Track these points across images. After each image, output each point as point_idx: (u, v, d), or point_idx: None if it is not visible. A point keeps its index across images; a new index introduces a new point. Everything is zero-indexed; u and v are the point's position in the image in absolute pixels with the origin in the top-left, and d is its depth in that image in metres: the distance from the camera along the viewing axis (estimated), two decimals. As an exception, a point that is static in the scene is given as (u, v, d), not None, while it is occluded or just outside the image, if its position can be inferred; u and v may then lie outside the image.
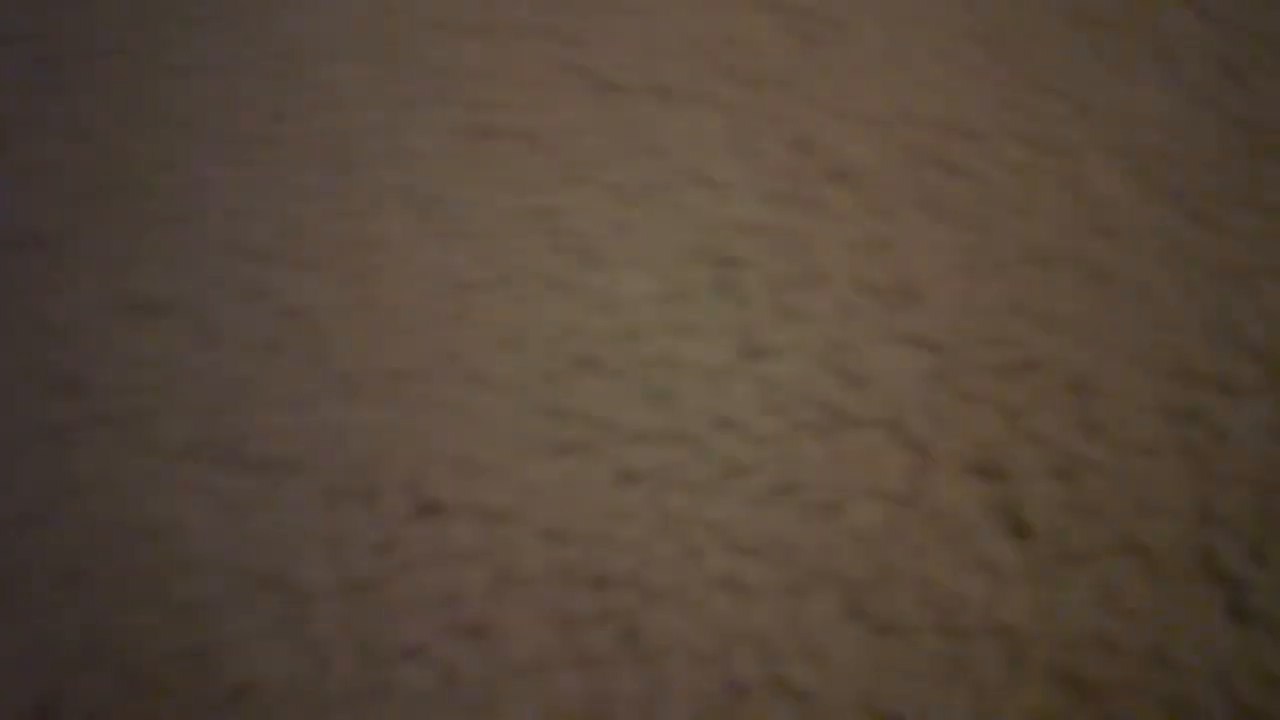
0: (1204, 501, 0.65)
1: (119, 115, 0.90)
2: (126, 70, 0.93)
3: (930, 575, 0.62)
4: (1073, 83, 0.84)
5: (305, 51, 0.92)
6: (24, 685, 0.59)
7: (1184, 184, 0.77)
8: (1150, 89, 0.82)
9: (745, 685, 0.61)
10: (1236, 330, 0.70)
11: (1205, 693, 0.58)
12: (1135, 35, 0.86)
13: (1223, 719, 0.56)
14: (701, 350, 0.73)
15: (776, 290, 0.76)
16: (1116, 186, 0.78)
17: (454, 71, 0.91)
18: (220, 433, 0.70)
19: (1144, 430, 0.67)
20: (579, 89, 0.88)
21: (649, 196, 0.81)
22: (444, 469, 0.69)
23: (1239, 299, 0.71)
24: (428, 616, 0.63)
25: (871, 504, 0.66)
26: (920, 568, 0.62)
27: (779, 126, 0.84)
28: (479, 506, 0.66)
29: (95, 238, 0.81)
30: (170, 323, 0.75)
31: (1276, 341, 0.69)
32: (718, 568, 0.63)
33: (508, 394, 0.72)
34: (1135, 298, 0.72)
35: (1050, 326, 0.72)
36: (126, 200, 0.83)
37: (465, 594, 0.63)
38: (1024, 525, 0.64)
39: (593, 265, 0.78)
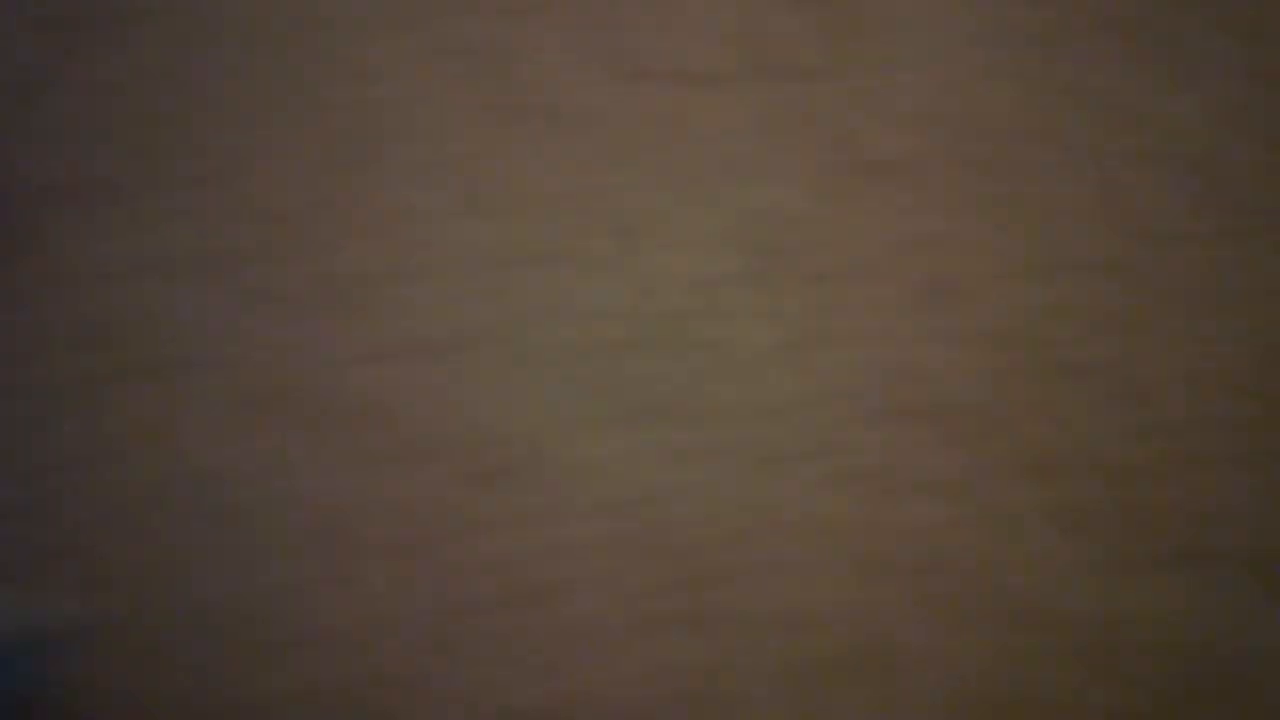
0: (1257, 511, 0.65)
1: (151, 77, 0.87)
2: (158, 34, 0.90)
3: (982, 568, 0.62)
4: (1106, 91, 0.85)
5: (337, 23, 0.90)
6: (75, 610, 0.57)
7: (1219, 198, 0.78)
8: (1180, 100, 0.84)
9: (800, 661, 0.60)
10: (1276, 348, 0.71)
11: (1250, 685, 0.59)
12: (1162, 47, 0.87)
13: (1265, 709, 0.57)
14: (744, 336, 0.72)
15: (816, 281, 0.75)
16: (1149, 194, 0.79)
17: (483, 51, 0.89)
18: (263, 388, 0.68)
19: (1194, 441, 0.67)
20: (609, 73, 0.87)
21: (683, 183, 0.81)
22: (492, 437, 0.67)
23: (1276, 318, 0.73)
24: (483, 579, 0.61)
25: (923, 497, 0.66)
26: (972, 561, 0.62)
27: (813, 120, 0.84)
28: (531, 475, 0.65)
29: (126, 193, 0.77)
30: (203, 282, 0.73)
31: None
32: (767, 549, 0.62)
33: (546, 368, 0.70)
34: (1179, 311, 0.73)
35: (1095, 331, 0.72)
36: (157, 159, 0.80)
37: (521, 559, 0.61)
38: (1074, 527, 0.64)
39: (629, 248, 0.77)
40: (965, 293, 0.73)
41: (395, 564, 0.59)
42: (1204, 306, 0.72)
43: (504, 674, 0.56)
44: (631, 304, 0.72)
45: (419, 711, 0.54)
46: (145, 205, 0.78)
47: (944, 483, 0.65)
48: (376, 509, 0.62)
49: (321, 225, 0.75)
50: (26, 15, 0.89)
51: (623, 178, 0.80)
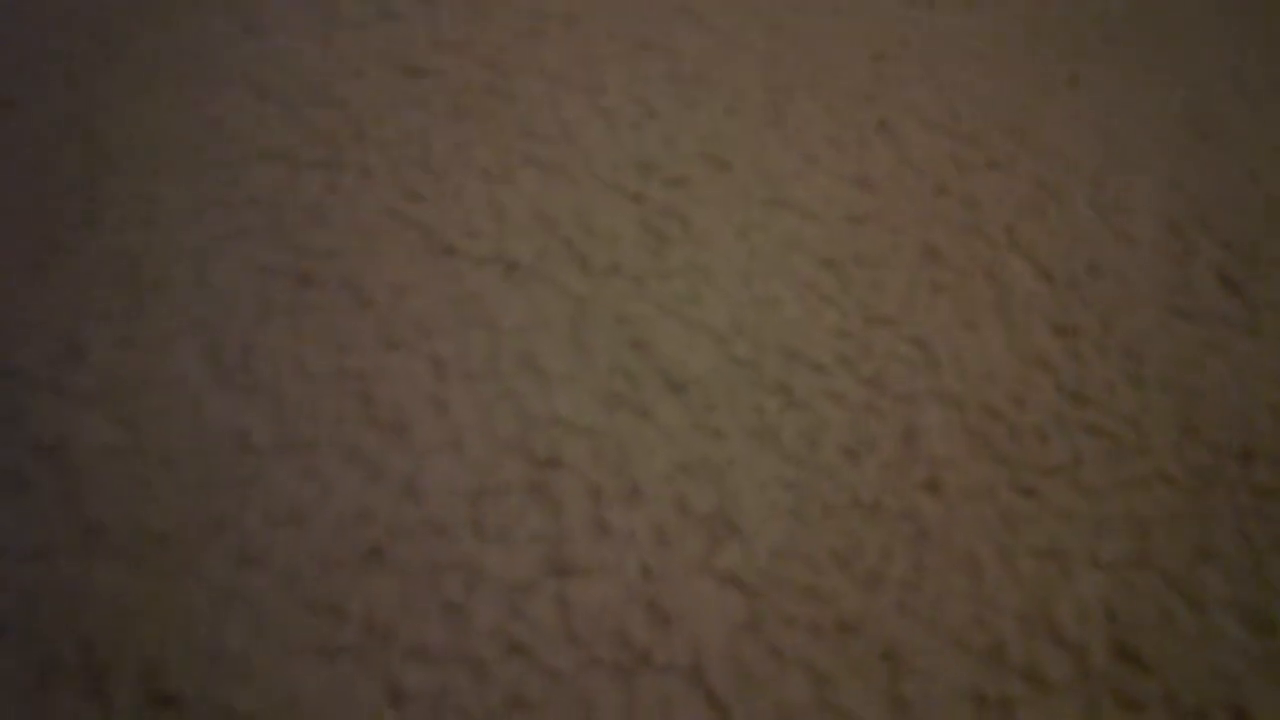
0: None
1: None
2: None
3: None
4: (915, 325, 0.84)
5: (126, 157, 0.85)
6: None
7: (1015, 451, 0.77)
8: (991, 342, 0.83)
9: None
10: (1052, 618, 0.69)
11: None
12: (980, 282, 0.87)
13: None
14: (505, 560, 0.68)
15: (595, 502, 0.71)
16: (949, 443, 0.77)
17: (284, 206, 0.85)
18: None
19: (950, 716, 0.64)
20: (417, 247, 0.83)
21: (475, 377, 0.76)
22: (190, 656, 0.60)
23: (1057, 584, 0.71)
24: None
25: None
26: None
27: (621, 325, 0.81)
28: (221, 707, 0.58)
29: None
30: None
31: (1088, 635, 0.68)
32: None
33: (280, 580, 0.64)
34: (956, 568, 0.70)
35: (870, 585, 0.69)
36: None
37: None
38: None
39: (401, 445, 0.72)
40: (741, 530, 0.70)
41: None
42: (983, 573, 0.70)
43: None
44: (385, 511, 0.67)
45: None
46: None
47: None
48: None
49: (50, 387, 0.68)
50: None
51: (408, 362, 0.75)
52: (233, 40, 0.94)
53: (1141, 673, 0.66)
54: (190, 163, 0.84)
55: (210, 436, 0.68)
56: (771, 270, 0.85)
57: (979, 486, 0.74)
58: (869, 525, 0.71)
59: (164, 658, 0.58)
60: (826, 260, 0.86)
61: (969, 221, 0.91)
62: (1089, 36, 1.13)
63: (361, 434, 0.70)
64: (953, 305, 0.85)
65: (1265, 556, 0.73)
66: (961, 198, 0.93)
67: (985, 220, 0.92)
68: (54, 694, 0.56)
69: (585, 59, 0.99)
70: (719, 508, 0.70)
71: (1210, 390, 0.82)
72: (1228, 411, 0.81)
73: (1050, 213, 0.93)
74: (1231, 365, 0.84)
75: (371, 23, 0.97)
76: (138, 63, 0.91)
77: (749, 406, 0.76)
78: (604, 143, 0.92)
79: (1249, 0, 1.20)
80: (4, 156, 0.82)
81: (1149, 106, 1.05)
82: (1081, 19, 1.15)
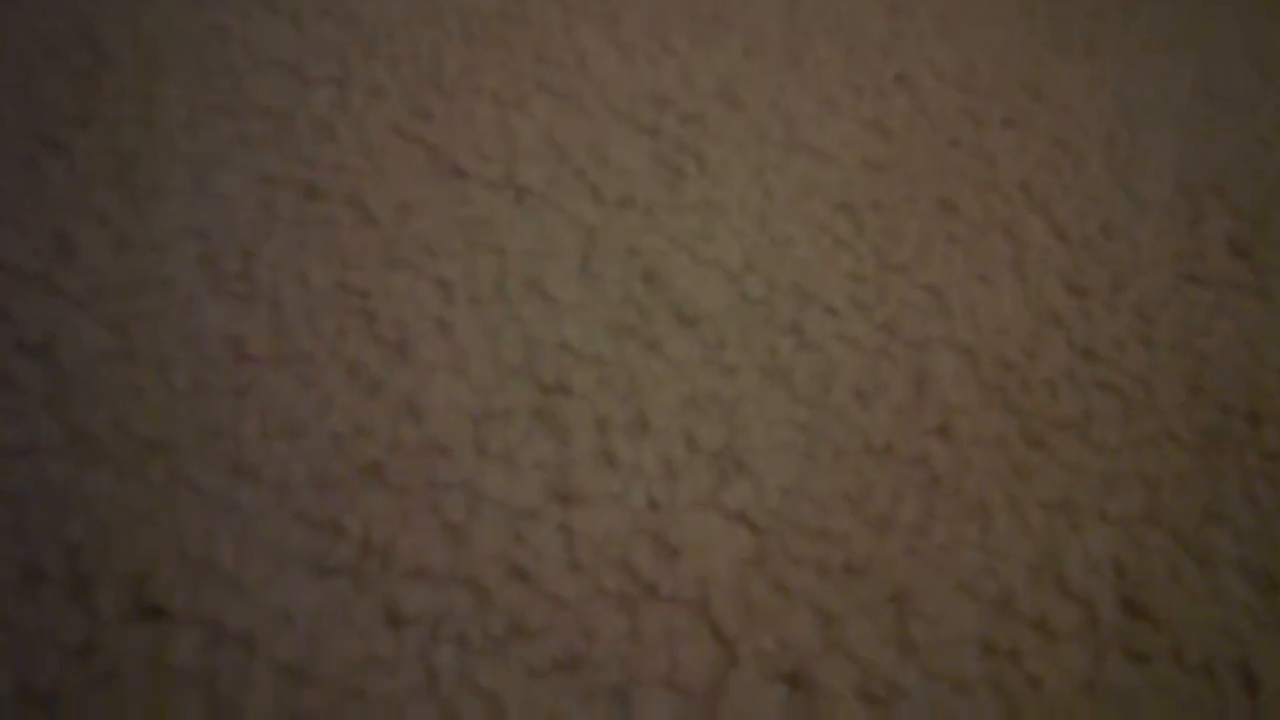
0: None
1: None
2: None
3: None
4: (930, 274, 0.81)
5: (126, 56, 0.80)
6: None
7: (1027, 403, 0.75)
8: (1005, 297, 0.80)
9: None
10: (1060, 570, 0.67)
11: None
12: (995, 237, 0.84)
13: None
14: (508, 484, 0.64)
15: (601, 432, 0.68)
16: (961, 391, 0.75)
17: (290, 118, 0.81)
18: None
19: (958, 661, 0.62)
20: (424, 167, 0.79)
21: (481, 300, 0.73)
22: (177, 567, 0.57)
23: (1066, 536, 0.68)
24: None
25: (664, 696, 0.58)
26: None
27: (632, 257, 0.77)
28: (212, 622, 0.55)
29: None
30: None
31: (1096, 588, 0.66)
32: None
33: (274, 493, 0.61)
34: (966, 516, 0.68)
35: (879, 529, 0.67)
36: None
37: None
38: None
39: (403, 364, 0.68)
40: (749, 467, 0.67)
41: (22, 712, 0.48)
42: (993, 522, 0.67)
43: None
44: (384, 427, 0.64)
45: None
46: None
47: (687, 684, 0.57)
48: (2, 639, 0.51)
49: (40, 284, 0.64)
50: None
51: (412, 282, 0.72)
52: (239, -51, 0.90)
53: (1149, 627, 0.64)
54: (192, 68, 0.80)
55: (205, 344, 0.64)
56: (786, 211, 0.81)
57: (990, 435, 0.72)
58: (879, 469, 0.68)
59: (152, 568, 0.54)
60: (842, 204, 0.83)
61: (984, 176, 0.88)
62: (1106, 4, 1.10)
63: (363, 350, 0.67)
64: (967, 257, 0.82)
65: (1272, 519, 0.71)
66: (977, 152, 0.90)
67: (1000, 176, 0.89)
68: (37, 597, 0.52)
69: (590, 2, 0.95)
70: (728, 444, 0.67)
71: (1218, 353, 0.80)
72: (1235, 374, 0.78)
73: (1065, 172, 0.91)
74: (1240, 329, 0.82)
75: (383, -60, 0.93)
76: (140, -35, 0.86)
77: (761, 345, 0.73)
78: (619, 75, 0.88)
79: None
80: (-3, 50, 0.78)
81: (1163, 74, 1.03)
82: (1099, -17, 1.12)
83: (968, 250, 0.83)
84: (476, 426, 0.65)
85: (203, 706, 0.50)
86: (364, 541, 0.58)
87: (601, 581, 0.60)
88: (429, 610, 0.56)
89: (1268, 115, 1.00)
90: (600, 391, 0.68)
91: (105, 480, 0.57)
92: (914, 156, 0.89)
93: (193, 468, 0.58)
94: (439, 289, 0.71)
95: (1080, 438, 0.73)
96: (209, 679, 0.51)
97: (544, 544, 0.60)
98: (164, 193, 0.71)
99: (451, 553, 0.59)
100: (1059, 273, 0.83)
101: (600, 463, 0.65)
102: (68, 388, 0.60)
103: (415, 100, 0.82)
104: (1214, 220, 0.90)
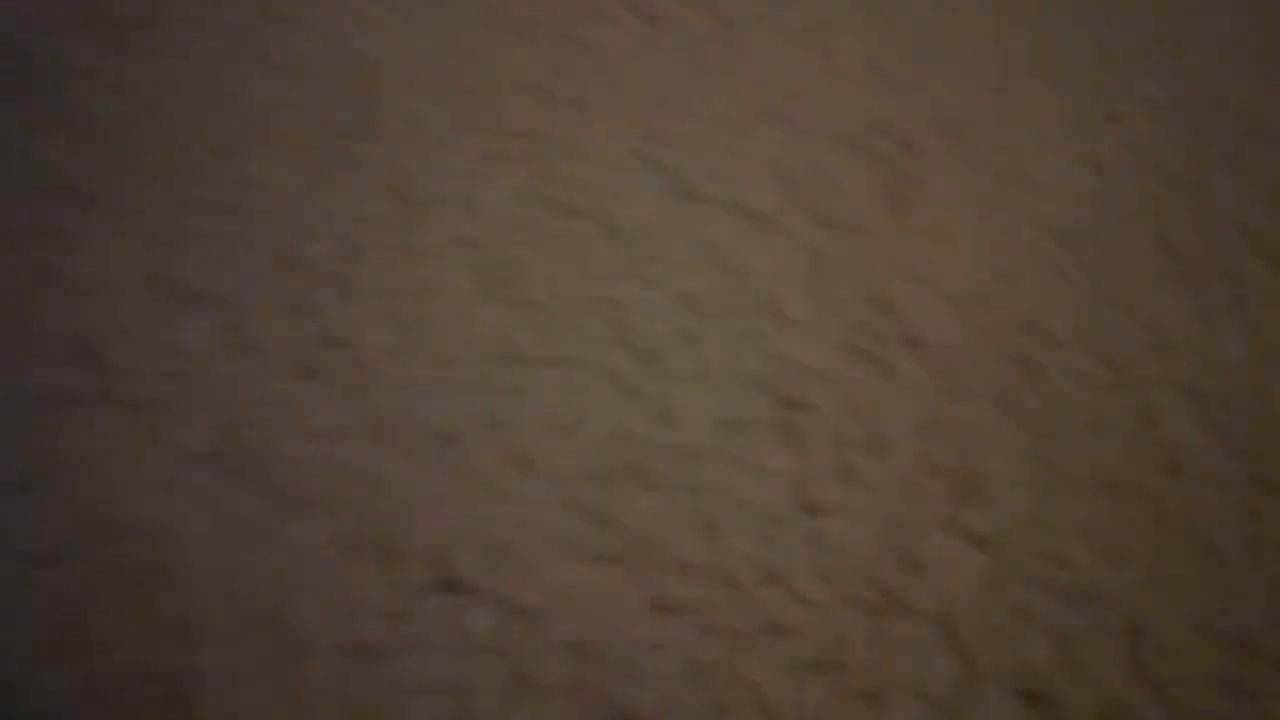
0: None
1: (181, 89, 0.83)
2: (197, 46, 0.87)
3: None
4: (1151, 312, 0.83)
5: (391, 76, 0.87)
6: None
7: (1256, 444, 0.76)
8: (1229, 337, 0.82)
9: None
10: (1297, 606, 0.68)
11: None
12: (1215, 277, 0.86)
13: None
14: (756, 490, 0.69)
15: (840, 447, 0.72)
16: (1188, 429, 0.77)
17: (537, 137, 0.87)
18: (238, 447, 0.62)
19: (1197, 697, 0.64)
20: (660, 187, 0.84)
21: (720, 314, 0.78)
22: (473, 547, 0.62)
23: (1302, 575, 0.70)
24: (431, 703, 0.56)
25: (912, 703, 0.62)
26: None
27: (858, 278, 0.81)
28: (505, 598, 0.60)
29: (135, 207, 0.73)
30: (204, 319, 0.68)
31: (1335, 628, 0.67)
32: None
33: (550, 484, 0.66)
34: (1201, 553, 0.70)
35: (1113, 559, 0.69)
36: (175, 177, 0.76)
37: (476, 688, 0.56)
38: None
39: (655, 372, 0.73)
40: (985, 491, 0.70)
41: (336, 667, 0.54)
42: (1228, 559, 0.69)
43: None
44: (643, 431, 0.69)
45: None
46: (155, 223, 0.74)
47: (933, 693, 0.61)
48: (325, 601, 0.57)
49: (335, 284, 0.71)
50: (73, 7, 0.86)
51: (658, 296, 0.77)
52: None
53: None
54: (448, 88, 0.86)
55: (480, 344, 0.70)
56: (1009, 242, 0.85)
57: (1220, 475, 0.74)
58: (1110, 501, 0.71)
59: (449, 546, 0.60)
60: (1063, 238, 0.86)
61: (1202, 217, 0.90)
62: None
63: (617, 357, 0.72)
64: (1188, 298, 0.84)
65: None
66: (1195, 192, 0.92)
67: (1219, 217, 0.91)
68: (352, 567, 0.58)
69: (817, 23, 0.99)
70: (963, 468, 0.71)
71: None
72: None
73: (1285, 216, 0.92)
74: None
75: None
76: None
77: (990, 373, 0.76)
78: (838, 102, 0.92)
79: None
80: (278, 71, 0.85)
81: None
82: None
83: (1188, 289, 0.84)
84: (724, 434, 0.69)
85: (499, 675, 0.55)
86: (633, 533, 0.63)
87: (850, 590, 0.63)
88: (693, 602, 0.61)
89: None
90: (836, 408, 0.72)
91: (403, 464, 0.63)
92: (1130, 194, 0.91)
93: (477, 457, 0.64)
94: (682, 303, 0.76)
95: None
96: (504, 649, 0.56)
97: (794, 549, 0.64)
98: (436, 204, 0.77)
99: (711, 551, 0.63)
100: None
101: (841, 477, 0.69)
102: (366, 379, 0.66)
103: (649, 124, 0.88)
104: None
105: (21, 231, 0.72)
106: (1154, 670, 0.63)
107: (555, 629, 0.57)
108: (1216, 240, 0.89)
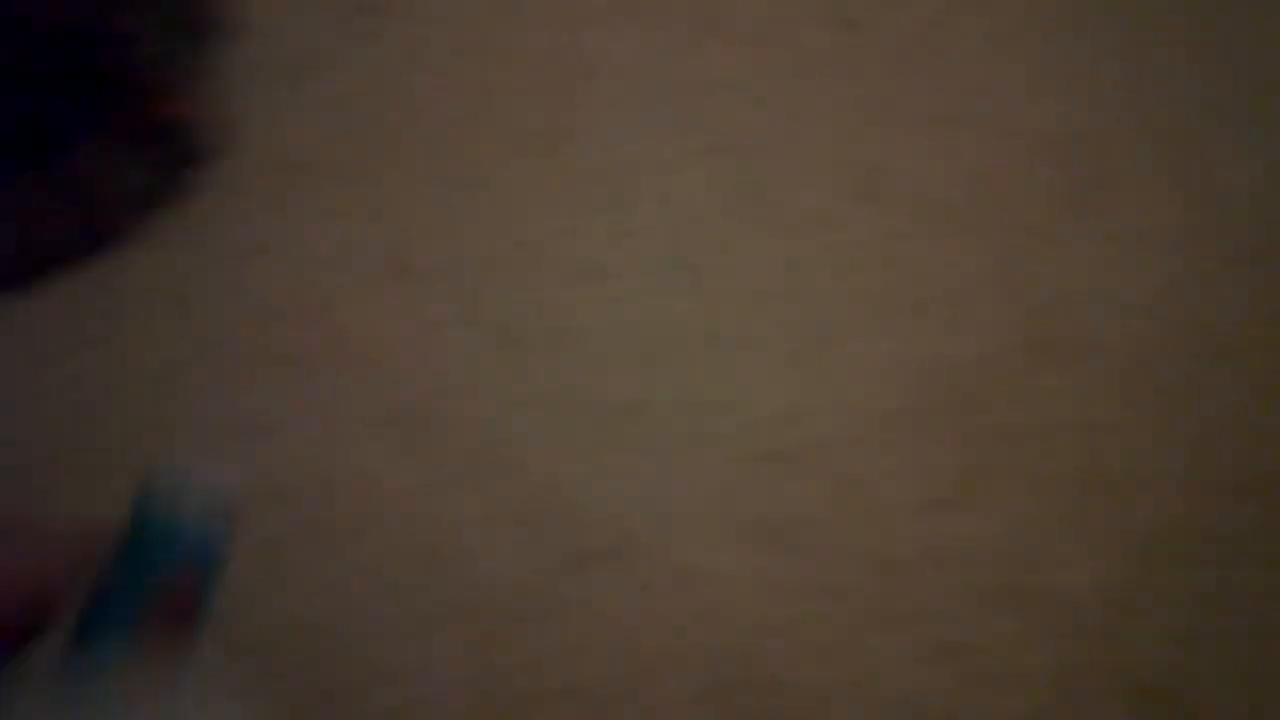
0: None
1: (418, 75, 0.94)
2: (435, 36, 0.98)
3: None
4: None
5: (604, 71, 0.96)
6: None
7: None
8: None
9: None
10: None
11: None
12: None
13: None
14: (913, 481, 0.74)
15: (1009, 441, 0.76)
16: None
17: (736, 133, 0.93)
18: (434, 410, 0.72)
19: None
20: (845, 188, 0.90)
21: (890, 309, 0.83)
22: (647, 517, 0.70)
23: None
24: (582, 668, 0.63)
25: (1026, 690, 0.65)
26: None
27: (1034, 279, 0.85)
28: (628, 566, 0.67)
29: (370, 184, 0.84)
30: (426, 289, 0.78)
31: None
32: None
33: (721, 459, 0.73)
34: None
35: (1250, 565, 0.71)
36: (409, 156, 0.87)
37: (636, 648, 0.63)
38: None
39: (827, 356, 0.79)
40: (1126, 492, 0.73)
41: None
42: None
43: None
44: (811, 416, 0.75)
45: None
46: (388, 199, 0.85)
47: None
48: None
49: (552, 262, 0.80)
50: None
51: (835, 285, 0.82)
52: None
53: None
54: (646, 93, 0.94)
55: (661, 327, 0.78)
56: (1191, 253, 0.86)
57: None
58: (1259, 507, 0.73)
59: (623, 514, 0.68)
60: (1252, 253, 0.87)
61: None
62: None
63: (792, 344, 0.78)
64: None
65: None
66: None
67: None
68: (549, 513, 0.67)
69: (1012, 28, 1.02)
70: (1121, 467, 0.74)
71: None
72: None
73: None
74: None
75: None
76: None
77: (1158, 379, 0.79)
78: (1031, 107, 0.95)
79: None
80: (504, 61, 0.95)
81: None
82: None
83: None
84: (885, 426, 0.75)
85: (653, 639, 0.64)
86: (790, 517, 0.70)
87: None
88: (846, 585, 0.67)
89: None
90: (1008, 408, 0.76)
91: (590, 433, 0.72)
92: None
93: (660, 429, 0.72)
94: (860, 296, 0.82)
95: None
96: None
97: (938, 542, 0.70)
98: (640, 193, 0.86)
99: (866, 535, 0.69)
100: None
101: (1002, 472, 0.73)
102: (556, 356, 0.75)
103: (847, 124, 0.93)
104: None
105: (265, 203, 0.84)
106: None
107: (701, 601, 0.65)
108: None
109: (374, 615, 0.63)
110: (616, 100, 0.93)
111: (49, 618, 0.40)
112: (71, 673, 0.39)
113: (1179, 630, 0.67)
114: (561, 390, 0.74)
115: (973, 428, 0.75)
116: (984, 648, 0.66)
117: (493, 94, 0.93)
